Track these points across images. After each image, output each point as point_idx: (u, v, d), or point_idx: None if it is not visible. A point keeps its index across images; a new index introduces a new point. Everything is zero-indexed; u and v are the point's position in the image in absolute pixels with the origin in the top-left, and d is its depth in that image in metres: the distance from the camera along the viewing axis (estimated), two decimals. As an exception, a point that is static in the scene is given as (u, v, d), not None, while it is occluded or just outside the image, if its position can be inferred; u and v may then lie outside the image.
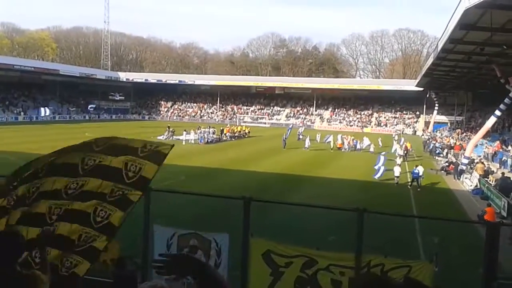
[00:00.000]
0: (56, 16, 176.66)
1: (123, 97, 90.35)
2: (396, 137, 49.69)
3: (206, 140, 44.80)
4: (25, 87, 78.05)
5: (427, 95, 69.01)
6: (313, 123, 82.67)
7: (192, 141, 43.74)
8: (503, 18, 19.14)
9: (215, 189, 19.16)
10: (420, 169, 25.03)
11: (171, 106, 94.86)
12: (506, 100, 29.52)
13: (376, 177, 26.56)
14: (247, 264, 6.75)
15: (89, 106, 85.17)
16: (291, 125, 54.37)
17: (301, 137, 46.11)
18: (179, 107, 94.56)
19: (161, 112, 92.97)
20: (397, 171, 26.05)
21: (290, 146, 42.09)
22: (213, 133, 48.27)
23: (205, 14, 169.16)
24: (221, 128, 52.17)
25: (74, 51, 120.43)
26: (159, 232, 7.49)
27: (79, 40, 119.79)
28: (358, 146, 43.07)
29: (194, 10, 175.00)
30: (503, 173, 24.31)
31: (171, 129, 47.88)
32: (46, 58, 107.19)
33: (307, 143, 42.54)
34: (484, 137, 41.31)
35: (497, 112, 30.28)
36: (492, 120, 30.82)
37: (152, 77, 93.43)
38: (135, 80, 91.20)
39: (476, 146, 34.78)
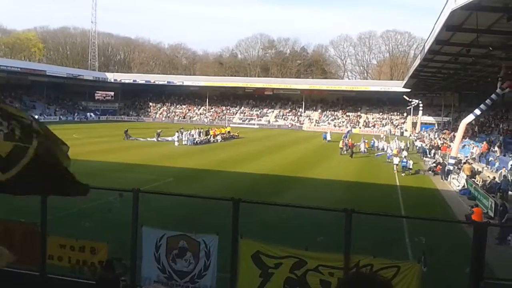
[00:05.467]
0: (43, 16, 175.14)
1: (111, 97, 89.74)
2: (384, 138, 50.04)
3: (194, 141, 44.59)
4: (12, 88, 77.05)
5: (409, 99, 68.45)
6: (302, 124, 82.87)
7: (177, 143, 43.39)
8: (489, 20, 19.33)
9: (204, 191, 19.05)
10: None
11: (160, 107, 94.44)
12: (488, 101, 29.81)
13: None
14: (236, 265, 6.74)
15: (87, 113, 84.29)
16: (348, 130, 54.00)
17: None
18: (168, 108, 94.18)
19: (150, 113, 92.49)
20: (396, 160, 31.89)
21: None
22: (200, 135, 48.02)
23: (193, 14, 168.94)
24: (205, 130, 51.36)
25: (61, 51, 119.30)
26: (148, 233, 7.42)
27: (66, 40, 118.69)
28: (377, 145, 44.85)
29: (183, 11, 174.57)
30: (505, 176, 24.14)
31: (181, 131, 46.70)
32: (33, 59, 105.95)
33: (363, 147, 42.22)
34: (471, 138, 41.74)
35: (477, 111, 30.63)
36: (470, 118, 31.13)
37: (140, 78, 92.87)
38: (123, 80, 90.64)
39: (463, 146, 35.05)
